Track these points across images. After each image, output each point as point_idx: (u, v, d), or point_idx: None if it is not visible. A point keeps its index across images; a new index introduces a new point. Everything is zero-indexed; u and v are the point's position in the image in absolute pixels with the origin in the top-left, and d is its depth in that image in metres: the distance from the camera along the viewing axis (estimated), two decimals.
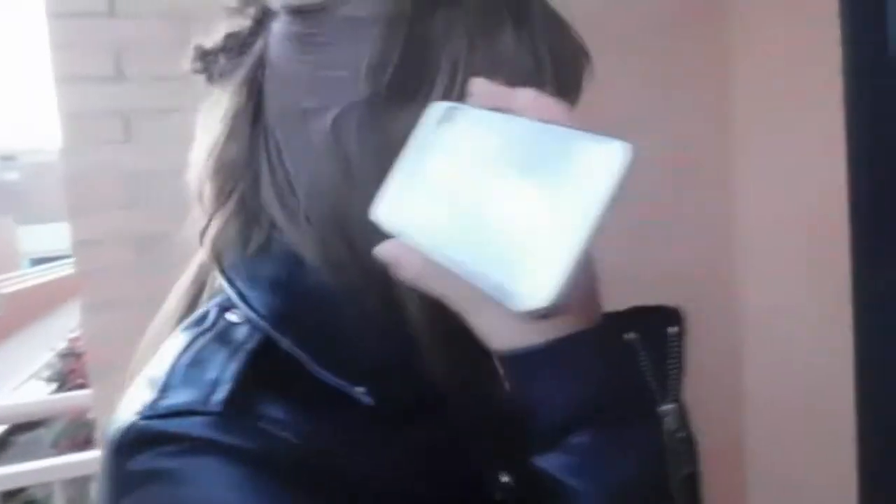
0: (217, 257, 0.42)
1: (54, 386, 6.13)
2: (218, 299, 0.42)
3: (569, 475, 0.32)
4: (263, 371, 0.36)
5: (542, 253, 0.27)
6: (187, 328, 0.40)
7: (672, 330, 0.29)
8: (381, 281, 0.35)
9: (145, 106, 1.36)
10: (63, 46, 1.32)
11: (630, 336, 0.28)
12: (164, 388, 0.35)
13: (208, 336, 0.38)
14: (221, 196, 0.43)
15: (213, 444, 0.32)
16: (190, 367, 0.36)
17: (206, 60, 0.45)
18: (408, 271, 0.33)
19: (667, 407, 0.28)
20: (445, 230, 0.31)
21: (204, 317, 0.41)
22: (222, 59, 0.44)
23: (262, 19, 0.43)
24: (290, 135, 0.41)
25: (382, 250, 0.33)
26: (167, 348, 0.39)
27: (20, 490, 3.64)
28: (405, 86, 0.39)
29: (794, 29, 1.51)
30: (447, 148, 0.33)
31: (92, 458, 1.69)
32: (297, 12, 0.41)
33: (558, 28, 0.43)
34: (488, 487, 0.38)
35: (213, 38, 0.44)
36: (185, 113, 1.66)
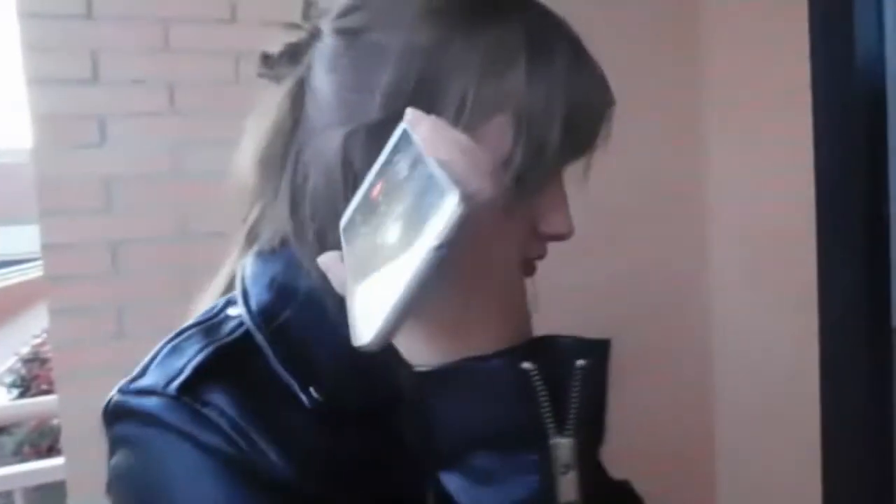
0: (251, 243, 0.48)
1: (16, 392, 5.96)
2: (230, 294, 0.46)
3: (462, 495, 0.34)
4: (227, 363, 0.41)
5: (377, 294, 0.28)
6: (197, 316, 0.46)
7: (579, 363, 0.31)
8: None
9: (121, 109, 1.35)
10: (37, 48, 1.30)
11: (527, 365, 0.30)
12: (144, 370, 0.42)
13: (200, 328, 0.43)
14: (259, 191, 0.47)
15: (162, 422, 0.38)
16: (169, 353, 0.42)
17: (267, 66, 0.48)
18: (335, 284, 0.36)
19: (560, 440, 0.29)
20: (354, 255, 0.33)
21: (213, 308, 0.46)
22: (279, 67, 0.48)
23: (314, 36, 0.46)
24: (310, 147, 0.44)
25: (321, 259, 0.37)
26: (171, 334, 0.44)
27: None
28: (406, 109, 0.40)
29: (764, 41, 1.56)
30: (385, 172, 0.35)
31: (56, 466, 1.65)
32: (335, 33, 0.44)
33: (582, 70, 0.44)
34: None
35: (276, 47, 0.48)
36: (162, 117, 1.65)
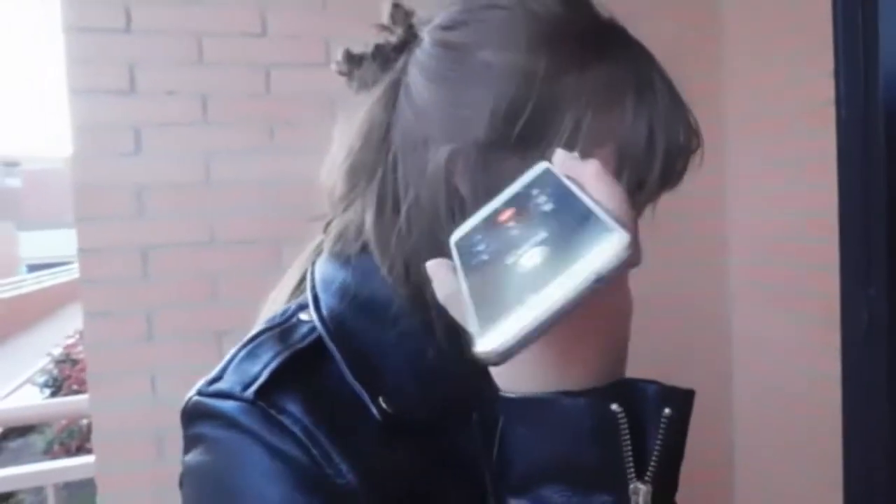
0: (328, 247, 0.47)
1: (48, 392, 6.11)
2: (301, 298, 0.47)
3: None
4: (301, 369, 0.42)
5: (513, 309, 0.28)
6: (269, 319, 0.46)
7: (667, 411, 0.31)
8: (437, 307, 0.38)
9: (156, 119, 1.40)
10: (79, 60, 1.36)
11: (615, 407, 0.30)
12: (221, 373, 0.42)
13: (274, 332, 0.44)
14: (349, 195, 0.46)
15: (239, 425, 0.39)
16: (245, 358, 0.42)
17: (351, 64, 0.47)
18: (439, 290, 0.35)
19: (639, 486, 0.29)
20: (472, 269, 0.34)
21: (285, 311, 0.46)
22: (366, 68, 0.46)
23: (408, 41, 0.46)
24: (408, 156, 0.44)
25: (430, 264, 0.35)
26: (246, 337, 0.45)
27: (10, 495, 3.63)
28: (527, 138, 0.41)
29: (787, 58, 1.56)
30: (520, 201, 0.36)
31: (86, 463, 1.70)
32: (440, 44, 0.44)
33: (677, 110, 0.45)
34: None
35: (362, 46, 0.47)
36: (194, 127, 1.71)
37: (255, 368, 0.41)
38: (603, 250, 0.28)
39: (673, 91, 0.46)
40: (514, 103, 0.41)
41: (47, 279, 19.40)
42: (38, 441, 5.60)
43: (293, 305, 0.46)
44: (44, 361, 6.91)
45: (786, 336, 1.60)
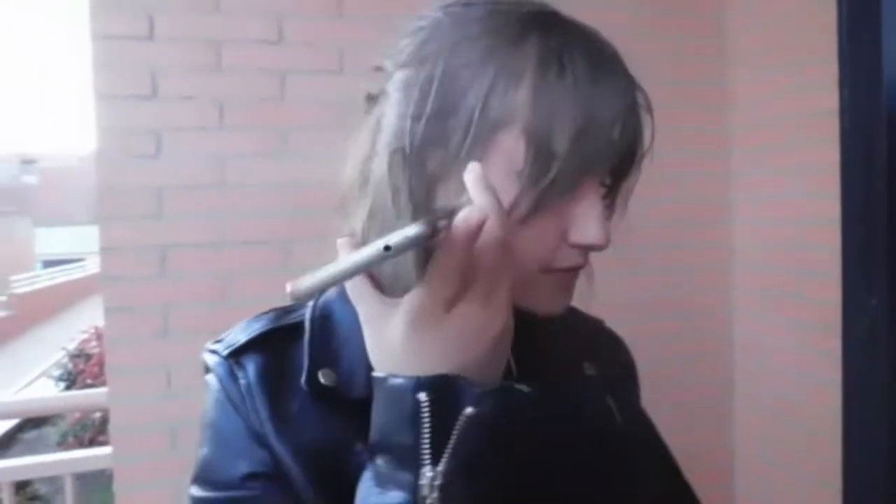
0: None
1: (63, 385, 6.21)
2: None
3: (360, 487, 0.42)
4: (274, 341, 0.52)
5: (325, 269, 0.37)
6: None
7: (468, 411, 0.35)
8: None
9: (175, 123, 1.45)
10: (104, 66, 1.41)
11: (422, 396, 0.35)
12: (224, 336, 0.54)
13: (276, 311, 0.55)
14: (358, 204, 0.53)
15: (217, 374, 0.51)
16: (242, 327, 0.53)
17: (368, 101, 0.53)
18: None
19: (429, 470, 0.33)
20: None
21: None
22: (369, 107, 0.52)
23: (387, 77, 0.51)
24: (377, 167, 0.49)
25: (339, 240, 0.46)
26: None
27: (26, 485, 3.71)
28: (437, 130, 0.45)
29: (791, 66, 1.58)
30: None
31: (102, 455, 1.76)
32: (395, 68, 0.50)
33: (597, 84, 0.44)
34: None
35: (372, 87, 0.53)
36: (211, 131, 1.77)
37: (242, 335, 0.52)
38: (398, 233, 0.36)
39: (597, 63, 0.45)
40: (423, 102, 0.46)
41: (61, 275, 19.65)
42: (51, 433, 5.70)
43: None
44: (59, 355, 7.02)
45: (787, 343, 1.62)
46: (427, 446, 0.39)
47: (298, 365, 0.50)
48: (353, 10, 1.53)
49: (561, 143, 0.43)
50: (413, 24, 0.51)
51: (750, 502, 1.75)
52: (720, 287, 1.79)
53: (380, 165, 0.48)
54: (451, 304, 0.40)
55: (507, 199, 0.43)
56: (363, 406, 0.44)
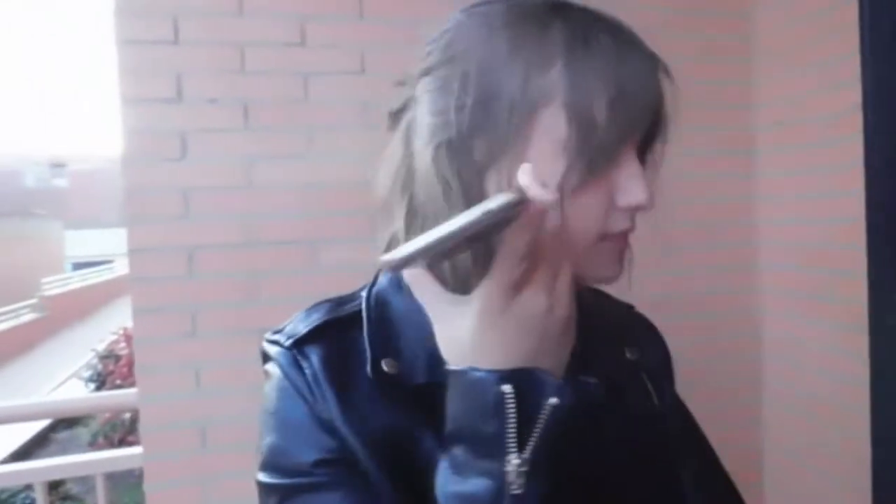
0: (388, 248, 0.58)
1: (93, 386, 6.34)
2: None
3: (438, 476, 0.44)
4: (334, 331, 0.53)
5: (418, 238, 0.37)
6: (345, 293, 0.58)
7: (552, 401, 0.36)
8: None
9: (200, 126, 1.47)
10: (130, 70, 1.44)
11: (506, 388, 0.37)
12: (284, 326, 0.55)
13: (334, 301, 0.57)
14: (391, 213, 0.55)
15: (279, 363, 0.52)
16: (301, 317, 0.55)
17: (392, 118, 0.55)
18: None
19: (514, 458, 0.35)
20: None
21: (358, 288, 0.58)
22: (396, 119, 0.55)
23: (413, 86, 0.54)
24: (414, 169, 0.52)
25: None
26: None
27: (59, 485, 3.79)
28: (480, 120, 0.48)
29: (816, 65, 1.56)
30: None
31: (132, 454, 1.78)
32: (420, 75, 0.52)
33: (623, 56, 0.48)
34: None
35: (394, 103, 0.56)
36: (236, 133, 1.78)
37: (302, 325, 0.53)
38: (494, 199, 0.37)
39: (620, 38, 0.49)
40: (462, 99, 0.48)
41: (91, 277, 20.07)
42: (83, 433, 5.82)
43: (365, 285, 0.58)
44: (89, 357, 7.16)
45: (814, 341, 1.59)
46: (513, 435, 0.41)
47: (360, 354, 0.51)
48: (374, 12, 1.53)
49: (599, 112, 0.46)
50: (436, 31, 0.53)
51: (778, 499, 1.72)
52: (747, 286, 1.76)
53: (422, 162, 0.49)
54: (517, 290, 0.43)
55: (557, 172, 0.46)
56: (424, 393, 0.49)
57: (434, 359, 0.49)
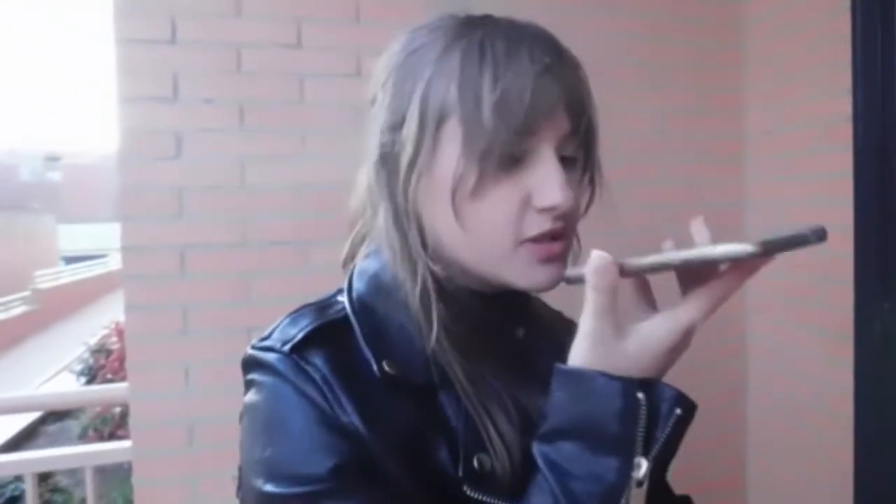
0: (353, 255, 0.61)
1: (84, 380, 6.33)
2: (342, 284, 0.58)
3: (545, 464, 0.45)
4: (329, 335, 0.52)
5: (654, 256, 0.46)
6: (317, 299, 0.57)
7: (678, 412, 0.40)
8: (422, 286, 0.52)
9: (196, 126, 1.48)
10: (128, 70, 1.45)
11: (640, 395, 0.44)
12: (270, 334, 0.53)
13: (315, 306, 0.56)
14: (364, 215, 0.59)
15: (277, 372, 0.50)
16: (288, 323, 0.54)
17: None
18: (599, 264, 0.47)
19: (642, 460, 0.39)
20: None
21: (329, 294, 0.58)
22: None
23: None
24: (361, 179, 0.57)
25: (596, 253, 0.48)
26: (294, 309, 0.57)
27: (48, 477, 3.79)
28: (397, 135, 0.52)
29: (807, 74, 1.58)
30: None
31: (122, 448, 1.79)
32: (370, 103, 0.57)
33: (513, 59, 0.49)
34: (468, 464, 0.50)
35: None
36: (231, 133, 1.79)
37: (294, 331, 0.52)
38: (730, 249, 0.42)
39: (511, 43, 0.50)
40: (384, 121, 0.53)
41: (84, 271, 19.98)
42: (73, 426, 5.81)
43: (335, 290, 0.58)
44: (80, 350, 7.14)
45: (800, 348, 1.61)
46: (641, 438, 0.44)
47: (359, 357, 0.51)
48: (369, 16, 1.55)
49: (486, 114, 0.48)
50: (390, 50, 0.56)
51: (762, 499, 1.74)
52: (734, 295, 1.78)
53: (367, 178, 0.55)
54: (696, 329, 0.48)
55: (458, 175, 0.50)
56: (426, 394, 0.51)
57: (426, 361, 0.52)
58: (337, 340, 0.52)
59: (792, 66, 1.63)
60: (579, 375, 0.45)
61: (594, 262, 0.46)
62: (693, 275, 0.49)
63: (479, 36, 0.51)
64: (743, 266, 0.45)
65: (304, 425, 0.48)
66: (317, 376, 0.49)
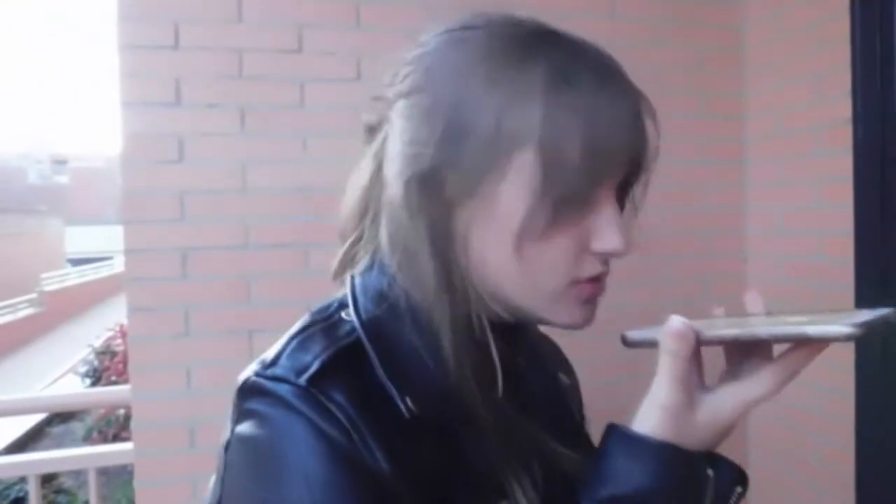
0: (345, 266, 0.55)
1: (89, 382, 6.35)
2: (341, 296, 0.53)
3: None
4: (345, 364, 0.47)
5: (734, 328, 0.46)
6: (313, 314, 0.52)
7: (738, 489, 0.41)
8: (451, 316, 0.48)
9: (198, 130, 1.50)
10: (131, 74, 1.46)
11: (710, 472, 0.44)
12: (277, 359, 0.47)
13: (321, 326, 0.50)
14: (359, 227, 0.54)
15: (292, 406, 0.44)
16: (297, 348, 0.48)
17: (368, 132, 0.54)
18: (678, 330, 0.46)
19: None
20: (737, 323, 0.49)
21: (328, 307, 0.52)
22: (369, 136, 0.54)
23: (388, 105, 0.52)
24: (383, 196, 0.51)
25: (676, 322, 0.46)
26: (295, 326, 0.51)
27: (52, 478, 3.81)
28: (453, 155, 0.46)
29: (809, 79, 1.58)
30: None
31: (125, 450, 1.81)
32: (397, 96, 0.51)
33: (604, 94, 0.46)
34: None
35: (370, 116, 0.54)
36: (233, 137, 1.80)
37: (307, 358, 0.46)
38: (827, 329, 0.40)
39: (604, 78, 0.47)
40: (439, 128, 0.47)
41: (90, 273, 20.08)
42: (78, 428, 5.84)
43: (335, 302, 0.52)
44: (85, 352, 7.18)
45: None
46: None
47: (379, 390, 0.46)
48: (370, 21, 1.56)
49: (573, 155, 0.44)
50: (412, 51, 0.51)
51: None
52: (734, 296, 1.78)
53: (394, 192, 0.49)
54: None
55: (524, 214, 0.45)
56: (446, 430, 0.47)
57: (445, 395, 0.47)
58: (354, 371, 0.46)
59: (791, 70, 1.63)
60: (651, 445, 0.43)
61: (674, 326, 0.44)
62: (749, 347, 0.47)
63: (561, 58, 0.46)
64: (821, 344, 0.43)
65: (321, 469, 0.42)
66: (342, 416, 0.43)
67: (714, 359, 0.50)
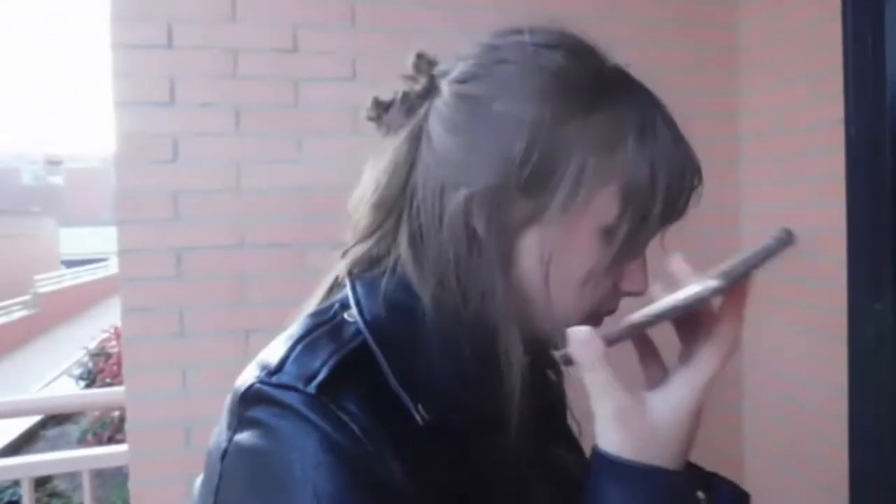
0: (352, 268, 0.52)
1: (83, 384, 6.33)
2: (341, 297, 0.50)
3: None
4: (354, 369, 0.44)
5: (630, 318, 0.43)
6: (313, 315, 0.49)
7: None
8: (479, 331, 0.46)
9: (193, 129, 1.49)
10: (124, 74, 1.46)
11: (700, 495, 0.42)
12: (282, 364, 0.45)
13: (325, 328, 0.47)
14: (373, 226, 0.51)
15: (300, 415, 0.42)
16: (303, 352, 0.45)
17: (379, 111, 0.51)
18: (582, 338, 0.44)
19: None
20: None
21: (328, 309, 0.49)
22: (392, 114, 0.51)
23: (430, 90, 0.50)
24: (428, 199, 0.48)
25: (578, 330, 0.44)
26: (293, 329, 0.48)
27: (46, 481, 3.79)
28: (535, 181, 0.46)
29: (803, 78, 1.59)
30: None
31: (119, 452, 1.80)
32: (456, 96, 0.49)
33: (679, 150, 0.48)
34: None
35: (389, 94, 0.51)
36: (227, 137, 1.80)
37: (315, 364, 0.44)
38: (695, 293, 0.39)
39: (676, 132, 0.48)
40: (522, 150, 0.45)
41: (85, 274, 20.00)
42: (72, 431, 5.81)
43: (336, 303, 0.50)
44: (80, 354, 7.15)
45: (795, 350, 1.62)
46: None
47: (390, 398, 0.44)
48: (365, 21, 1.56)
49: (655, 203, 0.46)
50: (483, 44, 0.50)
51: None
52: None
53: (446, 201, 0.47)
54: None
55: (590, 254, 0.46)
56: (458, 439, 0.45)
57: (455, 402, 0.46)
58: (364, 377, 0.44)
59: (785, 70, 1.64)
60: (640, 470, 0.41)
61: (576, 337, 0.42)
62: (687, 321, 0.46)
63: (644, 105, 0.48)
64: (733, 299, 0.43)
65: (331, 485, 0.40)
66: (355, 426, 0.41)
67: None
